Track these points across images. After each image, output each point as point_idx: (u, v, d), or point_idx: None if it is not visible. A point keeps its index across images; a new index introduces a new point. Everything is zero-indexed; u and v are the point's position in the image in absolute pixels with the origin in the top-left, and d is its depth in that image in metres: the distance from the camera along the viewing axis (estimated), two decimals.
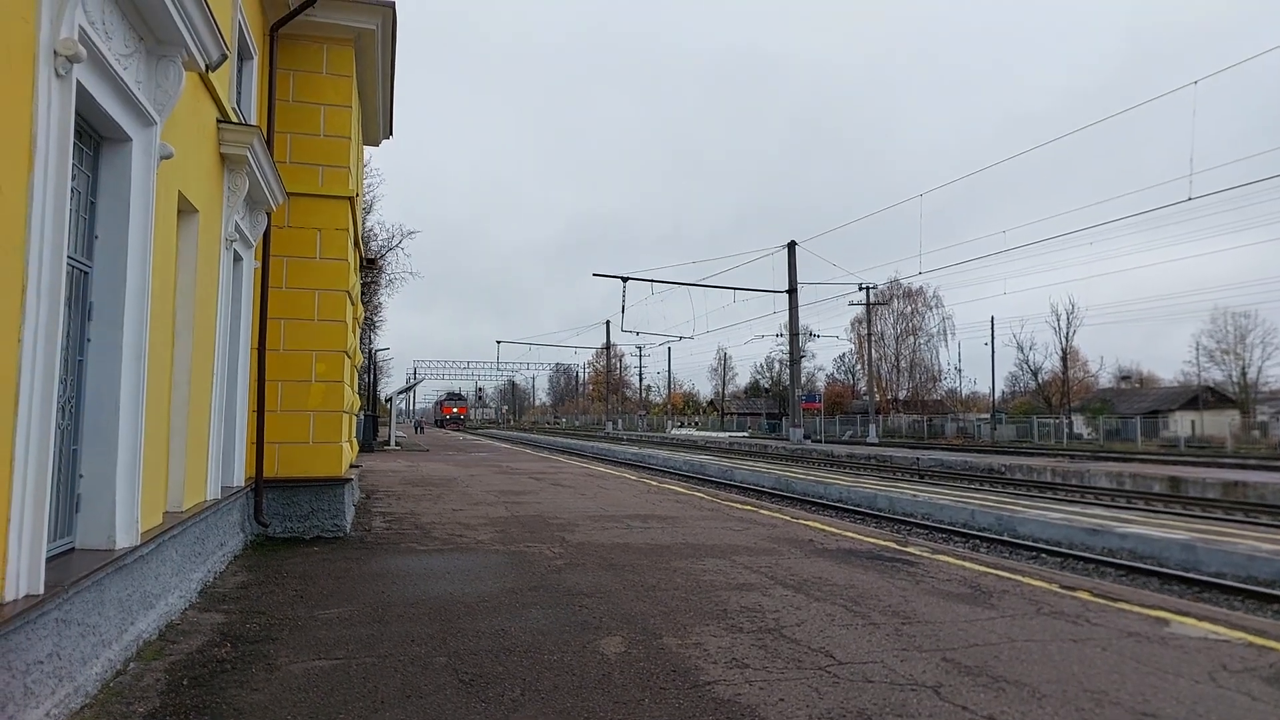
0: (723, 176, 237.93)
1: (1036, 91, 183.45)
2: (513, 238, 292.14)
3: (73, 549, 4.49)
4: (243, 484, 8.60)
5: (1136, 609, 6.30)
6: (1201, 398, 61.63)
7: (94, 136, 4.62)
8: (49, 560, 3.79)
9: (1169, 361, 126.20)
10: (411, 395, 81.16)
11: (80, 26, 3.71)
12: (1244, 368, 63.68)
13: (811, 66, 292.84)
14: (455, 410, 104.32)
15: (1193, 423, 55.85)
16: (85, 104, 4.12)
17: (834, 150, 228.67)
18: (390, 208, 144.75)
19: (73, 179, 3.91)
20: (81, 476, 4.56)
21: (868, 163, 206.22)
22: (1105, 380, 75.43)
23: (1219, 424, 52.79)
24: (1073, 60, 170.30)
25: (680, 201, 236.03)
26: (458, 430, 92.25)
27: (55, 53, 3.52)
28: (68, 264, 3.89)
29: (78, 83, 3.81)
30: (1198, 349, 67.04)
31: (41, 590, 3.52)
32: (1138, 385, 75.52)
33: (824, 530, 10.55)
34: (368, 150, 18.26)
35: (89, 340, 4.59)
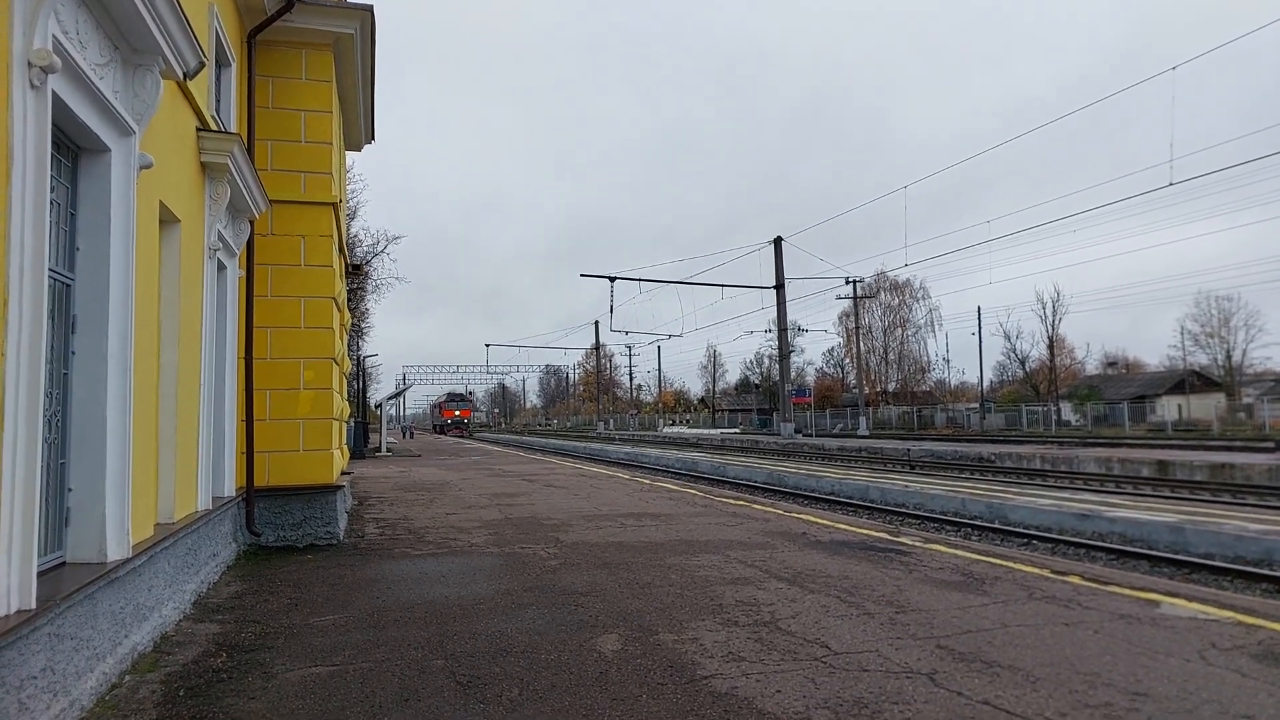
0: (720, 171, 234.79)
1: (1036, 78, 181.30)
2: (505, 241, 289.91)
3: (63, 563, 4.46)
4: (234, 494, 8.56)
5: (1127, 591, 6.35)
6: (1188, 382, 62.18)
7: (72, 147, 4.59)
8: (40, 575, 3.76)
9: (1155, 346, 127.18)
10: (401, 401, 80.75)
11: (54, 36, 3.69)
12: (1229, 351, 64.36)
13: (812, 58, 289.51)
14: (458, 413, 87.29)
15: (1179, 407, 56.33)
16: (62, 114, 4.09)
17: (832, 143, 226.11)
18: (381, 213, 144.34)
19: (51, 191, 3.88)
20: (70, 490, 4.53)
21: (866, 154, 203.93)
22: (1092, 367, 76.07)
23: (1205, 407, 53.30)
24: (1075, 45, 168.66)
25: (676, 198, 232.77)
26: (461, 436, 78.26)
27: (29, 63, 3.49)
28: (49, 277, 3.87)
29: (53, 93, 3.78)
30: (1183, 333, 67.74)
31: (33, 605, 3.50)
32: (1124, 371, 76.16)
33: (817, 523, 10.58)
34: (351, 156, 18.21)
35: (74, 353, 4.57)
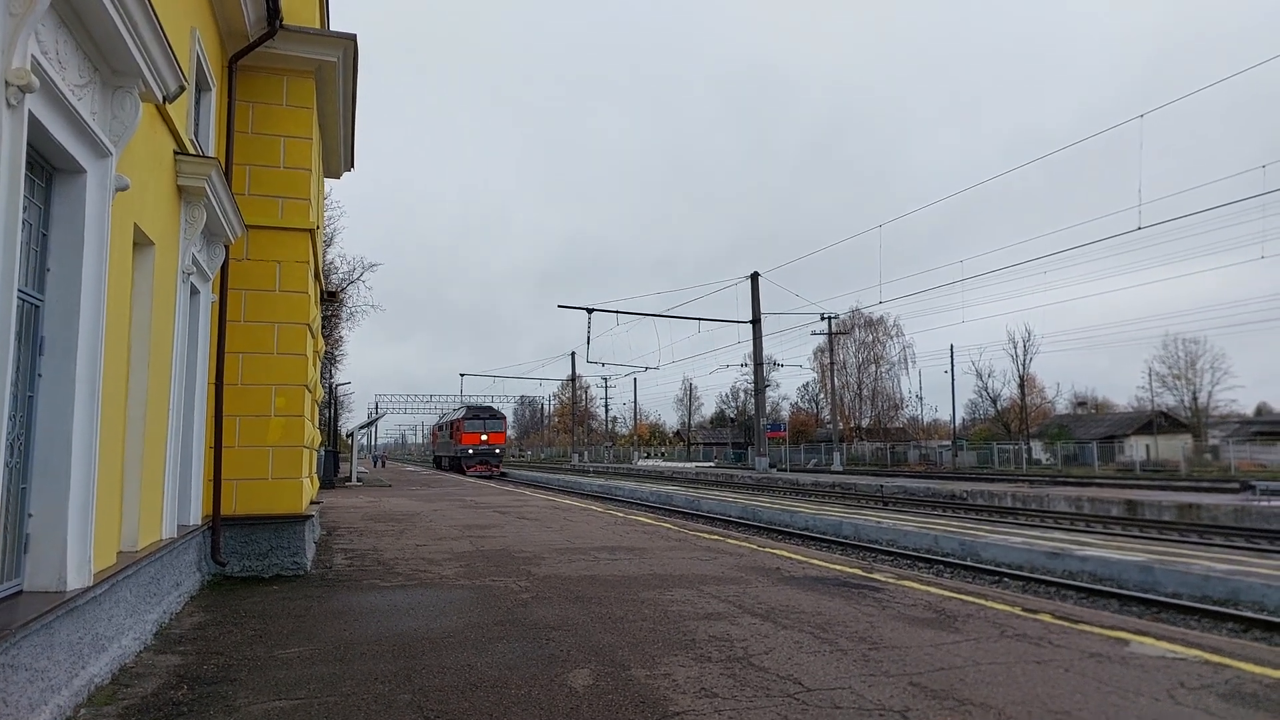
0: (725, 202, 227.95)
1: (1044, 113, 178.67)
2: (499, 262, 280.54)
3: (20, 591, 4.33)
4: (200, 522, 8.39)
5: (1097, 630, 6.39)
6: (1155, 423, 63.10)
7: (46, 168, 4.55)
8: None
9: (1124, 388, 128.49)
10: (373, 430, 79.49)
11: (33, 56, 3.67)
12: (1195, 393, 65.51)
13: (828, 86, 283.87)
14: (485, 438, 53.24)
15: (1147, 447, 57.15)
16: (38, 135, 4.05)
17: (839, 174, 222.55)
18: (372, 232, 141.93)
19: (24, 211, 3.84)
20: (31, 515, 4.42)
21: (874, 188, 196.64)
22: (1062, 406, 77.06)
23: (1173, 448, 54.09)
24: (1090, 81, 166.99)
25: (678, 227, 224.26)
26: (490, 474, 50.08)
27: (6, 83, 3.47)
28: (18, 297, 3.80)
29: (30, 113, 3.75)
30: (1150, 375, 68.82)
31: None
32: (1094, 411, 77.12)
33: (791, 558, 10.56)
34: (330, 182, 18.20)
35: (40, 375, 4.48)
